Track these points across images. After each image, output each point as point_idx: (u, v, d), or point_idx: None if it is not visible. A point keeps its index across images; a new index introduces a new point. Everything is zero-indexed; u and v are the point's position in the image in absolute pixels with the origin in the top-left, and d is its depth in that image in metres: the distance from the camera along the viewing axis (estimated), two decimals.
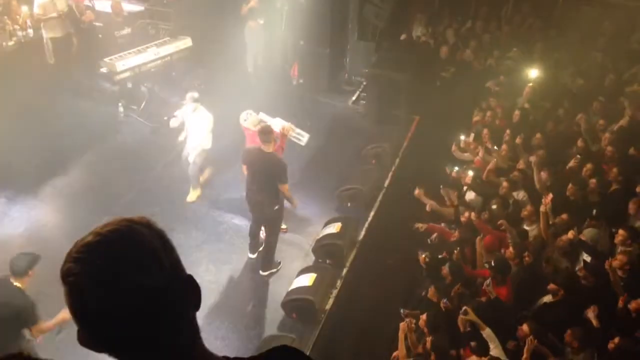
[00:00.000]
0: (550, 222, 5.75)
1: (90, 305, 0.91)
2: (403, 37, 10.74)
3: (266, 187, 5.78)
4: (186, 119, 6.82)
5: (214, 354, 1.07)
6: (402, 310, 5.57)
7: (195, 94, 6.69)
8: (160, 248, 0.97)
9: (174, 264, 0.99)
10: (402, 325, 4.96)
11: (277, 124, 6.38)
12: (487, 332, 4.63)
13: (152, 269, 0.94)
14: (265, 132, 5.67)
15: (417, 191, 6.96)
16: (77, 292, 0.92)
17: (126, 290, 0.91)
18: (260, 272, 6.28)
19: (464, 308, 4.77)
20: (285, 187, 5.80)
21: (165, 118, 6.96)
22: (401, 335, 4.92)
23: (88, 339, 0.95)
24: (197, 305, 1.03)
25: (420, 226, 6.58)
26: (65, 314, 4.20)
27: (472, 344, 4.60)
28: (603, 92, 8.14)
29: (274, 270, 6.33)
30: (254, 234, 6.36)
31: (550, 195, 5.75)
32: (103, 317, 0.91)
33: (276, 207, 5.91)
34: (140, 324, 0.93)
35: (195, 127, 6.79)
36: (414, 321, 5.01)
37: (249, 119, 6.34)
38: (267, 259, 6.26)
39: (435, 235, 6.57)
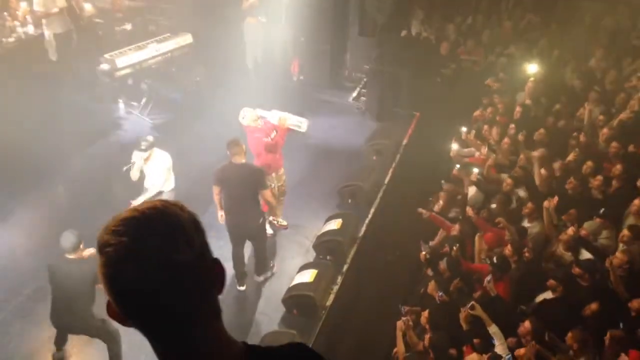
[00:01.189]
0: (555, 223, 5.73)
1: (123, 276, 0.97)
2: (404, 33, 10.71)
3: (248, 200, 5.66)
4: (142, 166, 6.09)
5: (232, 337, 1.13)
6: (402, 307, 5.57)
7: (150, 138, 6.04)
8: (193, 228, 1.03)
9: (203, 245, 1.05)
10: (399, 323, 4.95)
11: (274, 117, 6.34)
12: (493, 329, 4.58)
13: (183, 246, 0.99)
14: (234, 144, 5.56)
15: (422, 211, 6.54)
16: (112, 263, 0.97)
17: (158, 264, 0.96)
18: (255, 276, 6.17)
19: (471, 303, 4.71)
20: (267, 192, 5.73)
21: (125, 169, 6.05)
22: (399, 332, 4.92)
23: (116, 310, 1.01)
24: (221, 287, 1.08)
25: (424, 213, 6.49)
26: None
27: (476, 341, 4.59)
28: (603, 88, 8.11)
29: (269, 274, 6.26)
30: (238, 264, 5.96)
31: (556, 198, 5.74)
32: (133, 289, 0.97)
33: (261, 219, 5.86)
34: (167, 298, 0.98)
35: (154, 171, 6.15)
36: (412, 318, 5.00)
37: (247, 116, 6.30)
38: (261, 264, 6.17)
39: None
